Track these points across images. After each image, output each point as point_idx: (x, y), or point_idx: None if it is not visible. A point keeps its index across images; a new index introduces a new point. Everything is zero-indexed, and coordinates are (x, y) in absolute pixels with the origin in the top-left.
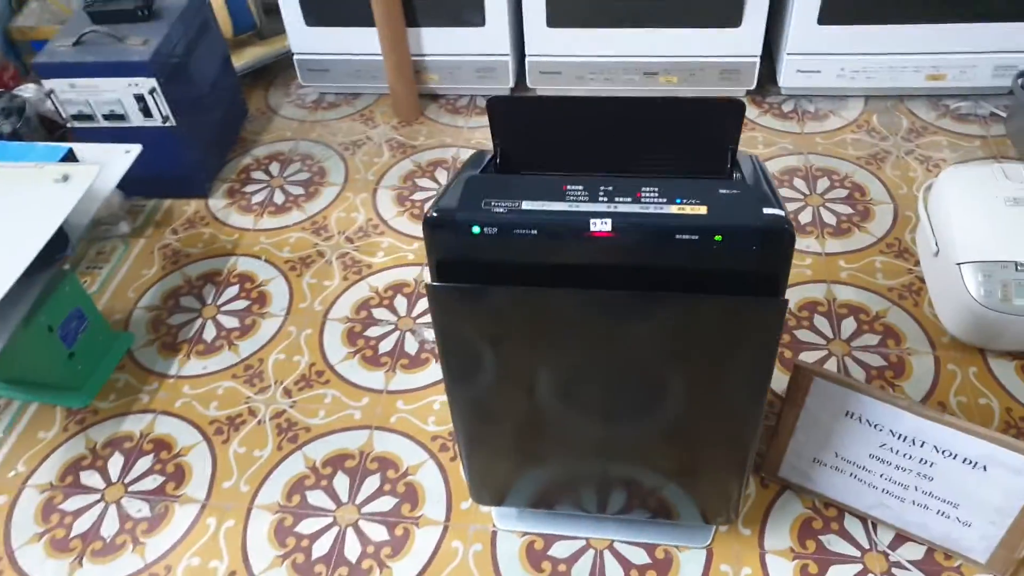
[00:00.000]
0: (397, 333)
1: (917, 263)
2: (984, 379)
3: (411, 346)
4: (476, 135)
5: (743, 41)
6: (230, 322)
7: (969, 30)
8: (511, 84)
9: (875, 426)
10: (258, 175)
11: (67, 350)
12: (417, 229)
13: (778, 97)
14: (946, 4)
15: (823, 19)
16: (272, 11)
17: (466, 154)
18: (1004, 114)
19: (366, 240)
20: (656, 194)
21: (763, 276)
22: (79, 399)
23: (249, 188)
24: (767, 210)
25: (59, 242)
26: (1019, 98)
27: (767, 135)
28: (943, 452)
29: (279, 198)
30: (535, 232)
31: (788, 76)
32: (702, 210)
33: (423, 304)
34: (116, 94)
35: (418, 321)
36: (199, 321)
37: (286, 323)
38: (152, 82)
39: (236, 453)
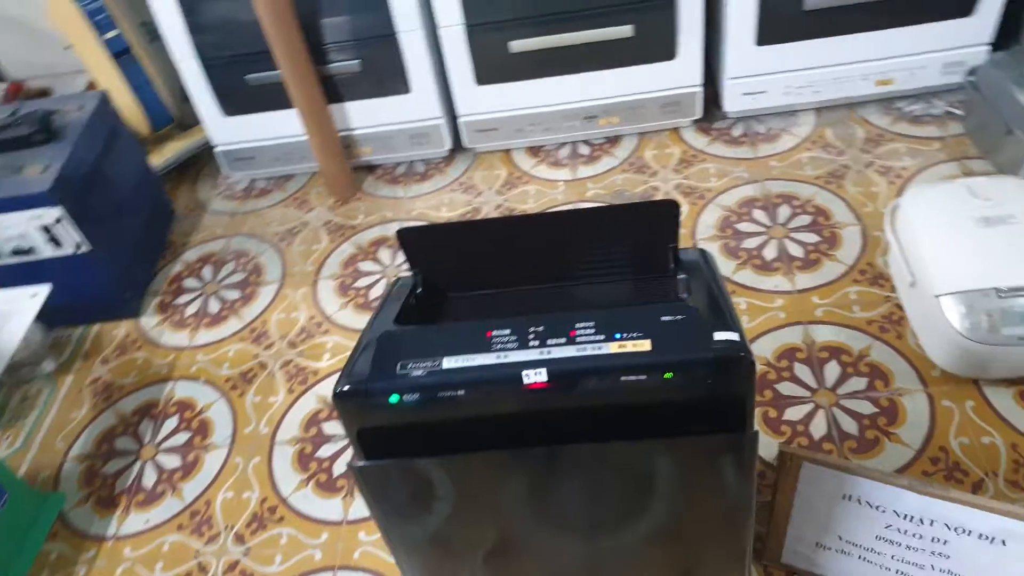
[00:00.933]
0: (351, 449)
1: (894, 289)
2: (983, 413)
3: None
4: (418, 205)
5: (681, 72)
6: (171, 461)
7: (912, 32)
8: (448, 146)
9: (877, 507)
10: (190, 283)
11: None
12: (363, 321)
13: (726, 122)
14: (885, 10)
15: (761, 39)
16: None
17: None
18: (960, 112)
19: (310, 342)
20: (592, 331)
21: (725, 408)
22: None
23: (182, 299)
24: (718, 335)
25: None
26: (972, 95)
27: (719, 165)
28: (955, 529)
29: (214, 306)
30: (462, 392)
31: (733, 100)
32: (645, 345)
33: None
34: (19, 228)
35: None
36: (137, 465)
37: (231, 454)
38: (56, 211)
39: None
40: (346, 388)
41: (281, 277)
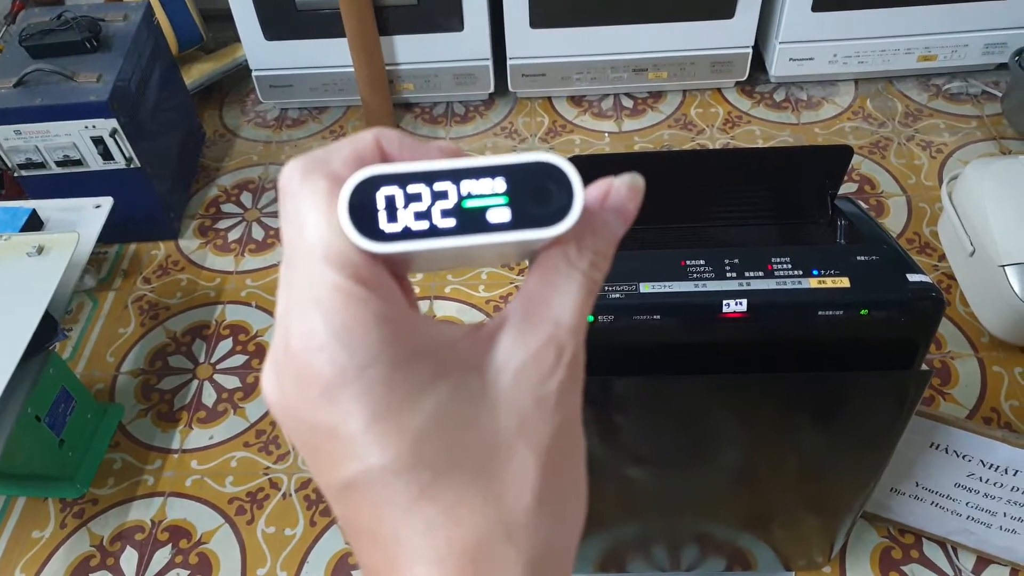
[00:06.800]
0: None
1: (941, 258)
2: None
3: None
4: (461, 146)
5: (736, 32)
6: (230, 382)
7: (961, 10)
8: (491, 89)
9: (964, 457)
10: (229, 208)
11: (57, 438)
12: None
13: (768, 86)
14: None
15: (817, 6)
16: (212, 19)
17: None
18: (997, 92)
19: None
20: (789, 265)
21: (903, 346)
22: (73, 489)
23: (222, 224)
24: (912, 277)
25: (45, 324)
26: (1016, 76)
27: (764, 128)
28: None
29: (258, 233)
30: (658, 317)
31: (780, 65)
32: (844, 282)
33: None
34: (70, 138)
35: None
36: (194, 383)
37: None
38: (112, 123)
39: (265, 533)
40: None
41: None
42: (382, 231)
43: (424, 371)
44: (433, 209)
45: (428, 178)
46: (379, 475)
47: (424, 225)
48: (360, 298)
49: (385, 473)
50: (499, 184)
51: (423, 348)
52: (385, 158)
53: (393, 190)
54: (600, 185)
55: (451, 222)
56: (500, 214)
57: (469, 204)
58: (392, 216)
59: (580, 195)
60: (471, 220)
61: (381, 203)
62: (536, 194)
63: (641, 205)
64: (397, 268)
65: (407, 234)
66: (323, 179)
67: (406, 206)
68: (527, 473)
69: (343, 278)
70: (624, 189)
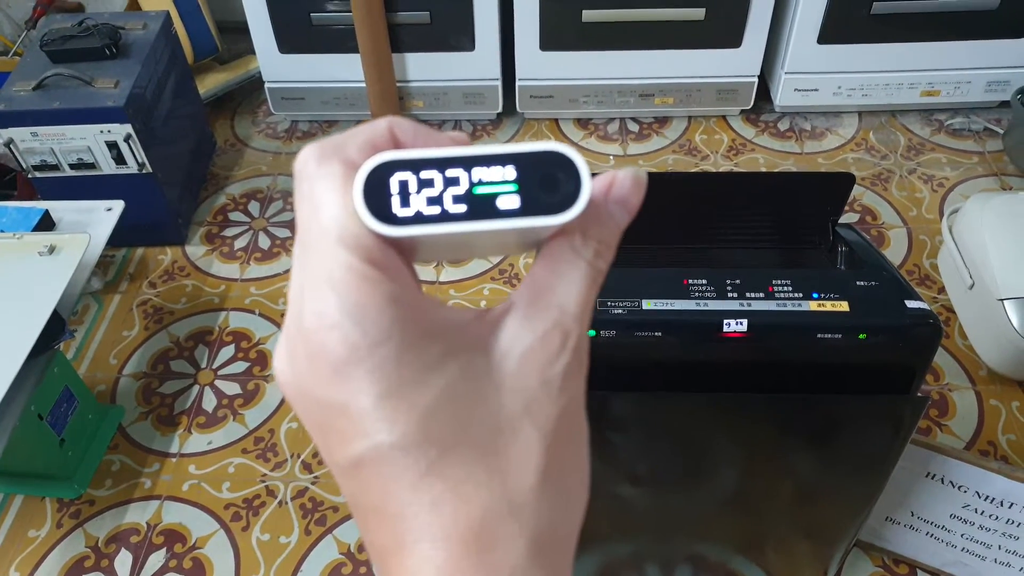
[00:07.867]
0: None
1: (941, 290)
2: None
3: None
4: None
5: (743, 61)
6: (231, 388)
7: (964, 47)
8: (499, 109)
9: (960, 488)
10: (237, 216)
11: (58, 437)
12: (422, 267)
13: (772, 115)
14: (943, 23)
15: (823, 38)
16: (228, 31)
17: None
18: (999, 129)
19: None
20: (789, 288)
21: (900, 371)
22: (71, 489)
23: (229, 232)
24: (911, 303)
25: (52, 323)
26: (1018, 113)
27: (768, 156)
28: None
29: (264, 242)
30: (659, 334)
31: (785, 95)
32: (844, 306)
33: None
34: (85, 142)
35: None
36: (195, 388)
37: None
38: (127, 128)
39: (259, 540)
40: None
41: None
42: (395, 215)
43: (433, 350)
44: (445, 195)
45: (441, 164)
46: (387, 452)
47: (436, 210)
48: (373, 279)
49: (393, 450)
50: (509, 172)
51: (433, 329)
52: (398, 146)
53: (407, 176)
54: (604, 178)
55: (462, 208)
56: (510, 201)
57: (480, 191)
58: (405, 201)
59: (588, 184)
60: (481, 206)
61: (395, 188)
62: (545, 182)
63: (645, 218)
64: (404, 254)
65: (419, 218)
66: (338, 164)
67: (419, 191)
68: (532, 452)
69: (357, 259)
70: (628, 182)
